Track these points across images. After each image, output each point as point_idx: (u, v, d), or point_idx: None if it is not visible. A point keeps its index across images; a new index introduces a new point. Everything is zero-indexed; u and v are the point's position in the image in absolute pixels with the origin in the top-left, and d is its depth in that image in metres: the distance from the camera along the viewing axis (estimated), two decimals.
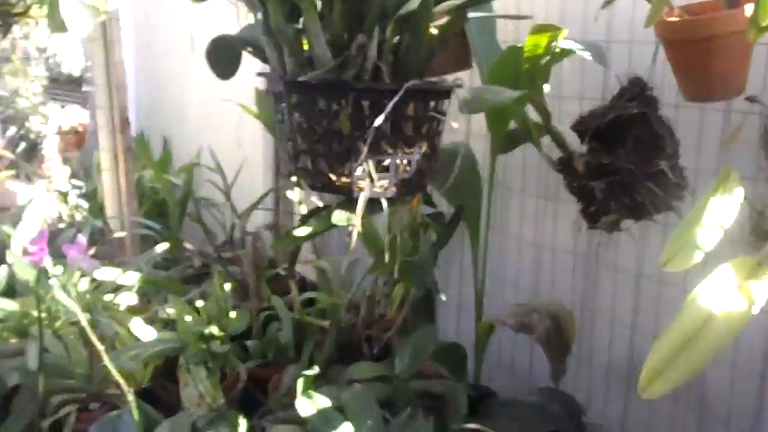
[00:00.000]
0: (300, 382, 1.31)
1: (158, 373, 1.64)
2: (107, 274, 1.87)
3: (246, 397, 1.64)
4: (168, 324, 1.87)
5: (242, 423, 1.34)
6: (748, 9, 1.00)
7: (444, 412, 1.41)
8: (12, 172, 2.89)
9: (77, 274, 1.79)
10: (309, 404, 1.28)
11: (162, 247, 2.06)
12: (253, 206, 2.28)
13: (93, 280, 1.86)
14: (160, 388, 1.63)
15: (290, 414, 1.45)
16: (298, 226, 1.32)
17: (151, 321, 1.78)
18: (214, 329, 1.55)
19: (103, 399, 1.54)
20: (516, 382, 1.79)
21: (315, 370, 1.31)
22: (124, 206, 2.49)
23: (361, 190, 1.12)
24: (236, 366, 1.60)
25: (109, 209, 2.49)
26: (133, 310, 1.83)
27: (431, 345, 1.48)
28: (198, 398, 1.50)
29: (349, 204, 1.12)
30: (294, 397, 1.52)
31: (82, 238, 0.99)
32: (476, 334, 1.72)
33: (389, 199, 1.15)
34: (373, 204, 1.13)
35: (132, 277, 1.86)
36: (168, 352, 1.57)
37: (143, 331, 1.70)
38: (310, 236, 1.34)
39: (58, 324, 1.66)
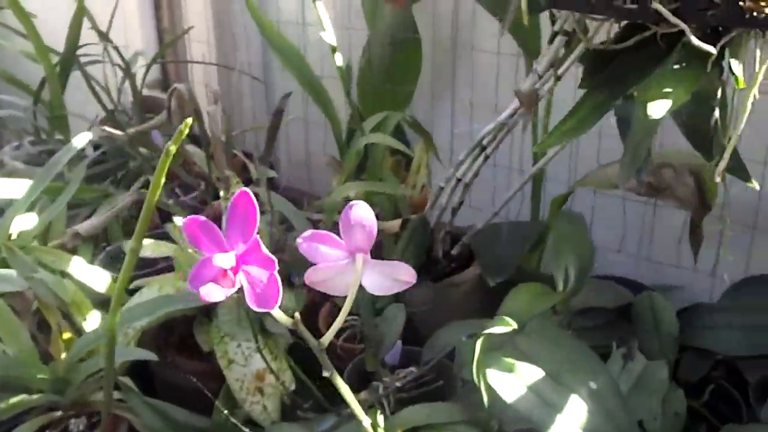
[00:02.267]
0: (478, 344, 0.79)
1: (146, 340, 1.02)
2: None
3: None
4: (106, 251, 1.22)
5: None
6: None
7: (628, 331, 1.01)
8: None
9: None
10: (511, 380, 0.77)
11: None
12: (154, 59, 1.56)
13: None
14: (159, 364, 1.03)
15: (403, 380, 0.96)
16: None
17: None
18: None
19: (87, 409, 0.91)
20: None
21: (511, 323, 0.79)
22: None
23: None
24: None
25: None
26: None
27: (590, 249, 1.02)
28: (257, 380, 0.93)
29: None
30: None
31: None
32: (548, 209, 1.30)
33: None
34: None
35: (20, 189, 1.13)
36: (180, 314, 0.96)
37: (92, 276, 1.05)
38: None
39: None
